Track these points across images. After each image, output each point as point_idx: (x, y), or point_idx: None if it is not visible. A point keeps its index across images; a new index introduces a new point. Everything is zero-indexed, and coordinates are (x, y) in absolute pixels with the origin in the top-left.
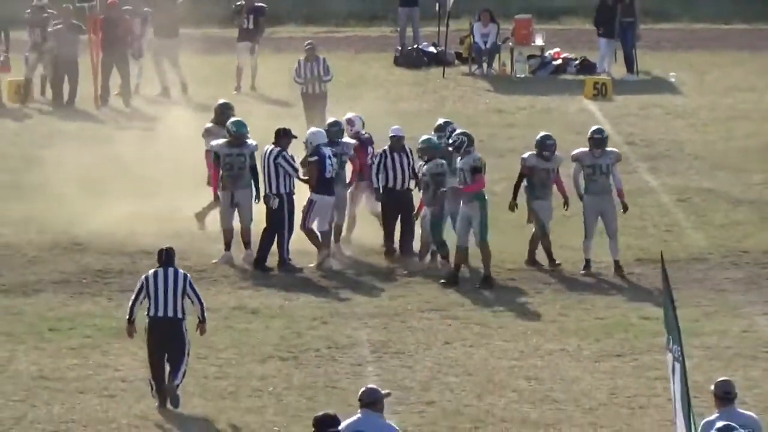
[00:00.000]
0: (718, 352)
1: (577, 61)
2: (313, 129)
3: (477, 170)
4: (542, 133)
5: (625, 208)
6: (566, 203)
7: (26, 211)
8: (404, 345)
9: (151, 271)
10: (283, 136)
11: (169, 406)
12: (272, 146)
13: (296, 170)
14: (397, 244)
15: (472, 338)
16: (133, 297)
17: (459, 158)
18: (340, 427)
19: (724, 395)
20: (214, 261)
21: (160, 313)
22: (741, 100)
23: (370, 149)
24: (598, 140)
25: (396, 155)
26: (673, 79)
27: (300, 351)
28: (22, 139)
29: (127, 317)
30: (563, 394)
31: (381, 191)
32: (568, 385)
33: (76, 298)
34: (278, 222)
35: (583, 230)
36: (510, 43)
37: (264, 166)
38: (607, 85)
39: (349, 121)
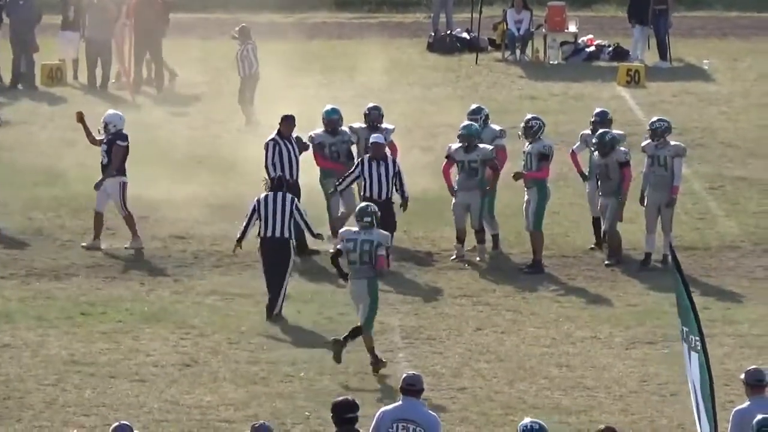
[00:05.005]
0: (750, 340)
1: (611, 48)
2: (112, 111)
3: (545, 157)
4: (600, 131)
5: (670, 203)
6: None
7: (59, 195)
8: (436, 331)
9: (263, 195)
10: (285, 122)
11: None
12: (275, 135)
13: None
14: None
15: (503, 325)
16: (246, 219)
17: (528, 143)
18: (378, 413)
19: (756, 383)
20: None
21: (269, 233)
22: None
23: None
24: (653, 131)
25: (375, 164)
26: (706, 67)
27: (332, 336)
28: (55, 123)
29: (238, 236)
30: (594, 381)
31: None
32: (599, 372)
33: (108, 282)
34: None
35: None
36: (543, 30)
37: (270, 156)
38: (640, 72)
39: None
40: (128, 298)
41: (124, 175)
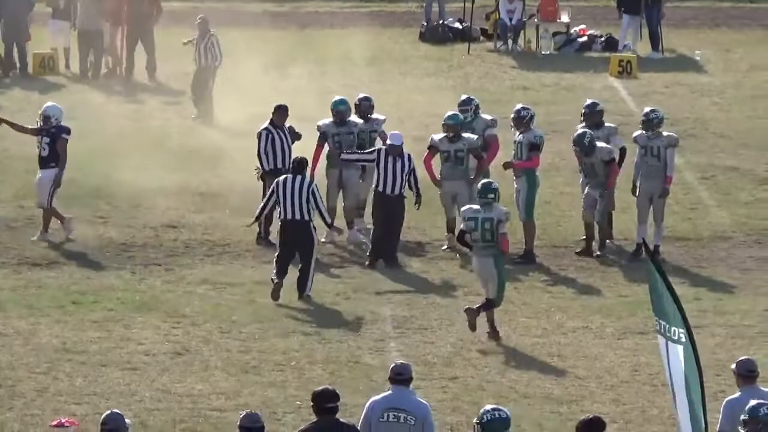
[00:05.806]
0: (741, 331)
1: (603, 39)
2: (51, 104)
3: (535, 147)
4: (579, 131)
5: (663, 194)
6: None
7: None
8: (427, 321)
9: (282, 177)
10: (278, 111)
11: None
12: (268, 124)
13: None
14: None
15: (495, 315)
16: (264, 201)
17: (519, 132)
18: (368, 403)
19: (747, 373)
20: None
21: (289, 216)
22: (766, 79)
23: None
24: (645, 121)
25: (392, 159)
26: (698, 57)
27: (323, 326)
28: None
29: (255, 216)
30: (586, 370)
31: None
32: (590, 362)
33: (99, 271)
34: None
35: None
36: (535, 20)
37: (263, 145)
38: (632, 62)
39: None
40: (119, 287)
41: (64, 168)
